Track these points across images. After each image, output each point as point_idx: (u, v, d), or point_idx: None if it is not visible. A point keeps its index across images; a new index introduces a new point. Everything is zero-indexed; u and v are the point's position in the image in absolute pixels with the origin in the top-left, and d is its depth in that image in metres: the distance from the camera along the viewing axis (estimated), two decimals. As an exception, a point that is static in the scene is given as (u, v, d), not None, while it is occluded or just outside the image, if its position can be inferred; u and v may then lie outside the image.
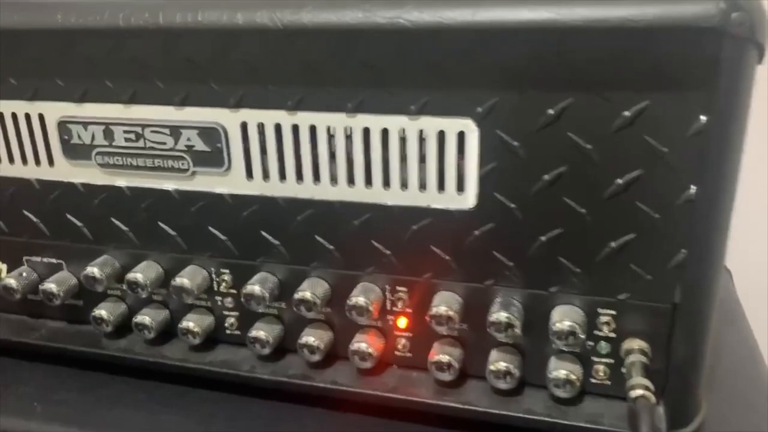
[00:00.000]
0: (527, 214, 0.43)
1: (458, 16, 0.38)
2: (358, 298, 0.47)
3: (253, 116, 0.46)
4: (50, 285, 0.54)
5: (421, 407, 0.47)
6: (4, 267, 0.58)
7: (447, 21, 0.38)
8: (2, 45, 0.49)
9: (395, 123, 0.43)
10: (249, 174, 0.48)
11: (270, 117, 0.45)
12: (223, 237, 0.50)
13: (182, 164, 0.48)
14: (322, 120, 0.44)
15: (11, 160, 0.53)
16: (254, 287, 0.49)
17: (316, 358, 0.49)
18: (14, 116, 0.51)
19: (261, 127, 0.46)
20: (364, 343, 0.48)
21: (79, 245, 0.54)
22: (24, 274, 0.56)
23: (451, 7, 0.38)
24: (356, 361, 0.48)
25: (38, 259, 0.56)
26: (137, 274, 0.51)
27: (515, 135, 0.41)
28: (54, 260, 0.56)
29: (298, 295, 0.48)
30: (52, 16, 0.47)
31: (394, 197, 0.45)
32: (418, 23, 0.39)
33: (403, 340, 0.49)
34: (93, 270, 0.52)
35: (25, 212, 0.54)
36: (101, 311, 0.54)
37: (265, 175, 0.47)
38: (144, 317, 0.53)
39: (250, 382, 0.51)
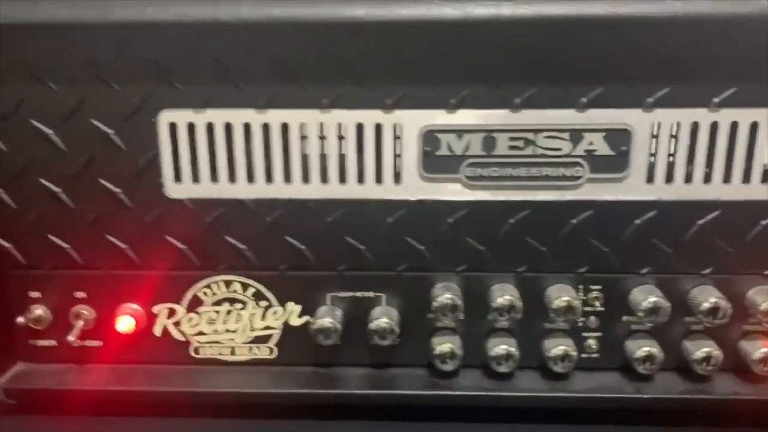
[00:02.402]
0: None
1: None
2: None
3: (668, 116, 0.44)
4: (381, 321, 0.47)
5: None
6: (296, 309, 0.49)
7: None
8: (367, 48, 0.43)
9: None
10: (650, 178, 0.45)
11: (688, 116, 0.44)
12: (604, 248, 0.46)
13: (576, 171, 0.45)
14: (748, 116, 0.43)
15: (342, 179, 0.46)
16: (656, 300, 0.45)
17: (712, 369, 0.47)
18: (360, 128, 0.45)
19: (676, 127, 0.44)
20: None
21: (409, 273, 0.48)
22: (337, 313, 0.48)
23: None
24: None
25: (348, 294, 0.49)
26: (506, 297, 0.46)
27: None
28: (371, 294, 0.49)
29: (707, 305, 0.45)
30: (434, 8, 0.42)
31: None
32: None
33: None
34: (449, 297, 0.46)
35: (349, 239, 0.47)
36: (446, 346, 0.47)
37: (669, 179, 0.45)
38: (501, 347, 0.47)
39: (652, 405, 0.47)
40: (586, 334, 0.49)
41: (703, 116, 0.44)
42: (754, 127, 0.44)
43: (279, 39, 0.43)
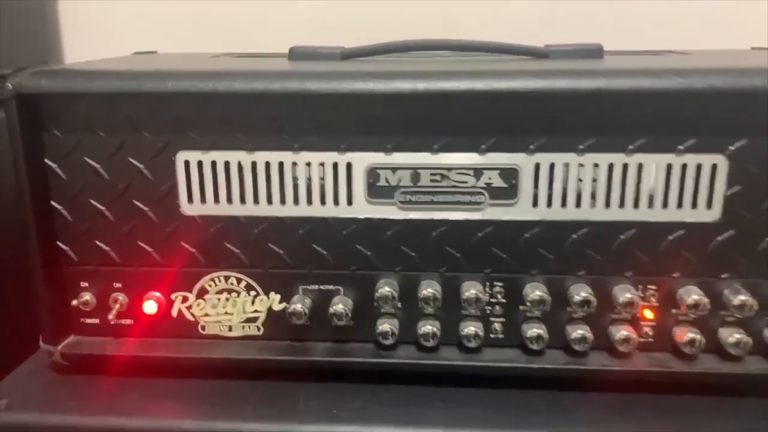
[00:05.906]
0: None
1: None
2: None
3: (546, 158, 0.60)
4: (338, 307, 0.63)
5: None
6: (277, 297, 0.66)
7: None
8: (324, 111, 0.60)
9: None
10: (534, 203, 0.61)
11: (561, 158, 0.60)
12: (503, 255, 0.63)
13: (479, 198, 0.61)
14: (605, 159, 0.59)
15: (310, 202, 0.63)
16: (541, 294, 0.61)
17: (587, 347, 0.62)
18: (322, 165, 0.62)
19: (552, 167, 0.60)
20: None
21: (360, 272, 0.64)
22: (306, 301, 0.65)
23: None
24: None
25: (315, 287, 0.65)
26: (428, 290, 0.62)
27: None
28: (332, 287, 0.65)
29: (579, 299, 0.61)
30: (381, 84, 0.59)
31: (654, 215, 0.60)
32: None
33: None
34: (388, 290, 0.63)
35: (314, 246, 0.64)
36: (385, 326, 0.63)
37: (549, 203, 0.61)
38: (428, 328, 0.63)
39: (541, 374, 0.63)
40: (492, 319, 0.65)
41: (573, 159, 0.60)
42: (610, 167, 0.60)
43: (267, 104, 0.60)
